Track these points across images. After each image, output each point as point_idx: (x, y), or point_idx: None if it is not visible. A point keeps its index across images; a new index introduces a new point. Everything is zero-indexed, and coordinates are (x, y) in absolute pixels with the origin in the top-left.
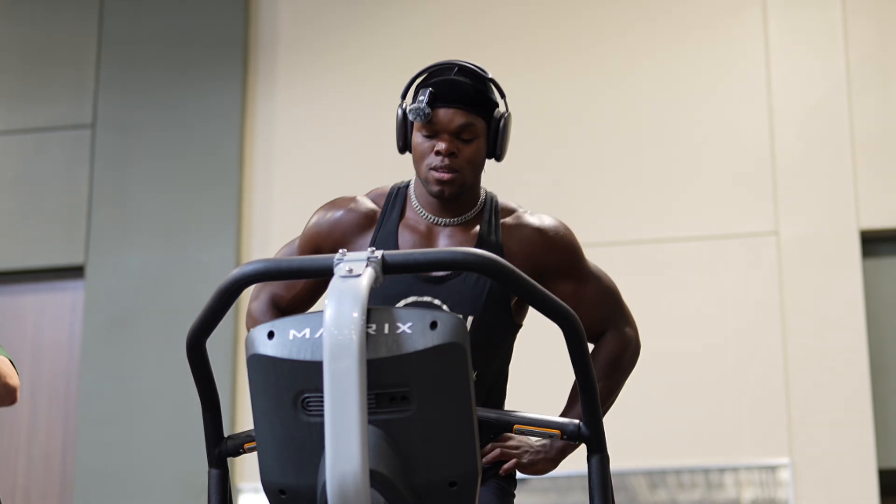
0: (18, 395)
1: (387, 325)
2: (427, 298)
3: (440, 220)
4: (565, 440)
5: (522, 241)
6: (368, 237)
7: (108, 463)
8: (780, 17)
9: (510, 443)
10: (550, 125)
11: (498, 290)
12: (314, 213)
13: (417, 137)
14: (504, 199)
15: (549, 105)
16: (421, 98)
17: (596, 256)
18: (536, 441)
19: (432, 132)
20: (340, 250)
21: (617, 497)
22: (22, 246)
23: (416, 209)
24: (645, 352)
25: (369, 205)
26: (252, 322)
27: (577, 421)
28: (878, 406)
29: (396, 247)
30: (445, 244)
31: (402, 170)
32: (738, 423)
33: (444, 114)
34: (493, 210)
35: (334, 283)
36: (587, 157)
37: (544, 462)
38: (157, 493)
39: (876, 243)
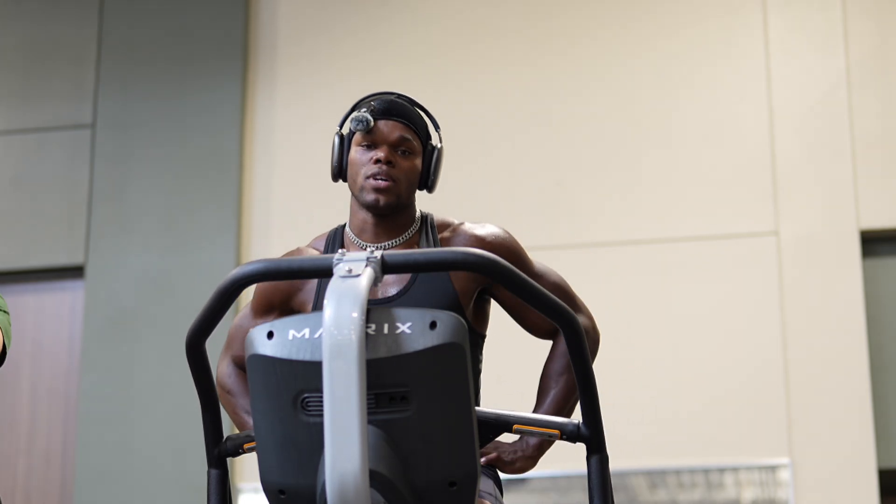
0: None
1: (386, 325)
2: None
3: (377, 245)
4: (565, 439)
5: None
6: (314, 281)
7: (108, 463)
8: (779, 16)
9: (487, 446)
10: (550, 125)
11: (450, 304)
12: None
13: (355, 153)
14: (440, 215)
15: (549, 105)
16: (364, 110)
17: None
18: (511, 439)
19: (371, 143)
20: (340, 250)
21: (617, 497)
22: (22, 246)
23: (354, 241)
24: (644, 352)
25: (310, 250)
26: (220, 387)
27: (576, 421)
28: (878, 406)
29: None
30: None
31: None
32: (738, 422)
33: (384, 125)
34: (430, 227)
35: (333, 283)
36: (587, 158)
37: (523, 460)
38: (156, 493)
39: (876, 243)
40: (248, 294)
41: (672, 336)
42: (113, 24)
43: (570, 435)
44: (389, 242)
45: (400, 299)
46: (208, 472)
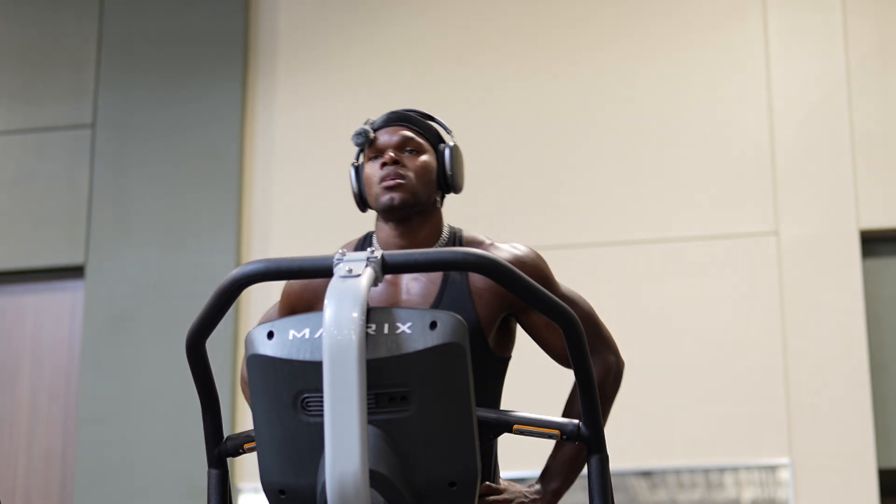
0: None
1: (386, 325)
2: None
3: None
4: (565, 440)
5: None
6: None
7: (107, 462)
8: (780, 18)
9: (503, 496)
10: (551, 126)
11: (470, 328)
12: (285, 287)
13: (367, 169)
14: (470, 231)
15: (550, 106)
16: (364, 125)
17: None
18: (531, 487)
19: (377, 152)
20: (340, 250)
21: (617, 497)
22: (22, 246)
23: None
24: (644, 352)
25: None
26: (243, 381)
27: (576, 421)
28: (878, 406)
29: None
30: (411, 287)
31: None
32: (738, 423)
33: (385, 132)
34: (458, 244)
35: (334, 284)
36: (588, 158)
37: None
38: (156, 492)
39: (876, 243)
40: (248, 298)
41: (672, 336)
42: (113, 25)
43: (571, 435)
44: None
45: None
46: (208, 472)
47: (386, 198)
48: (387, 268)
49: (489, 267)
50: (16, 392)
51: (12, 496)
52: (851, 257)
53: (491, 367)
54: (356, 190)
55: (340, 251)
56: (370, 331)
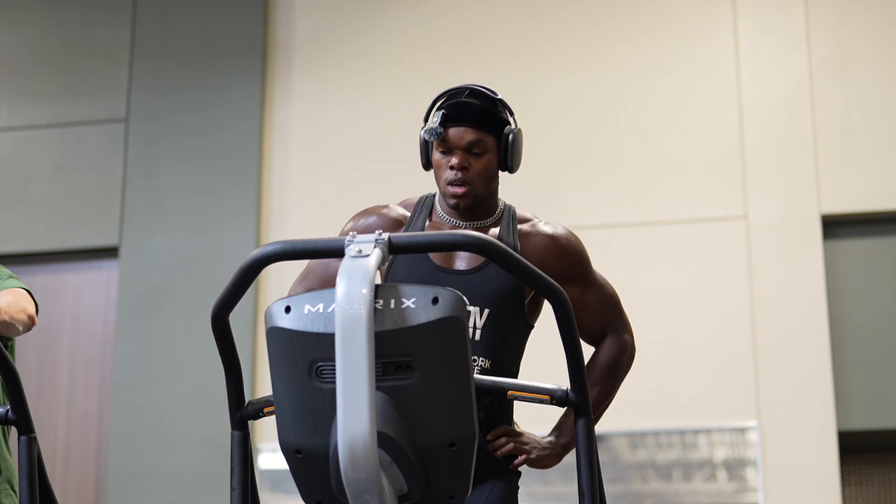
0: (36, 319)
1: (392, 301)
2: None
3: (462, 223)
4: (554, 404)
5: (537, 246)
6: None
7: (140, 425)
8: (748, 18)
9: (522, 438)
10: (538, 118)
11: (513, 290)
12: (350, 219)
13: (436, 155)
14: (521, 210)
15: (535, 99)
16: (435, 120)
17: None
18: (544, 439)
19: (446, 149)
20: (350, 233)
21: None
22: (62, 229)
23: (441, 215)
24: None
25: (400, 210)
26: None
27: (565, 387)
28: (838, 373)
29: None
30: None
31: (405, 162)
32: (711, 389)
33: (454, 132)
34: (511, 217)
35: (345, 263)
36: (572, 148)
37: (550, 457)
38: (184, 452)
39: (836, 226)
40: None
41: (650, 311)
42: (144, 27)
43: (560, 400)
44: (470, 224)
45: (474, 275)
46: (231, 433)
47: (452, 202)
48: (393, 248)
49: (484, 247)
50: (57, 361)
51: (53, 455)
52: (813, 239)
53: (521, 330)
54: (424, 160)
55: (403, 206)
56: (378, 306)
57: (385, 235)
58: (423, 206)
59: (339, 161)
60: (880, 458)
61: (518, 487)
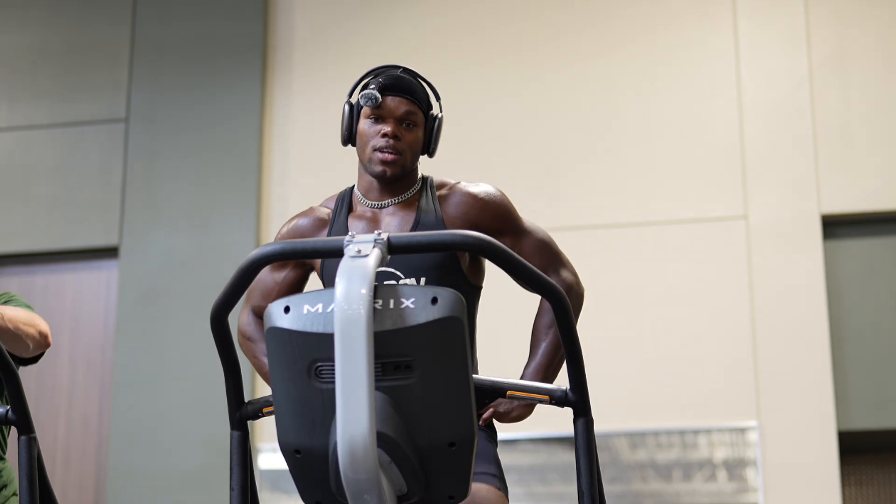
0: (49, 340)
1: (392, 301)
2: (384, 269)
3: (382, 202)
4: (553, 404)
5: (459, 205)
6: (324, 235)
7: (139, 426)
8: (748, 19)
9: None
10: (538, 118)
11: (447, 256)
12: (281, 227)
13: (364, 124)
14: (438, 176)
15: (537, 99)
16: (372, 87)
17: (580, 239)
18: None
19: (379, 117)
20: (350, 233)
21: (600, 456)
22: (62, 229)
23: (361, 200)
24: (627, 327)
25: (322, 209)
26: (241, 335)
27: (564, 387)
28: (838, 373)
29: None
30: (390, 221)
31: None
32: (711, 389)
33: (391, 101)
34: (429, 186)
35: (344, 263)
36: (571, 148)
37: (520, 408)
38: (184, 452)
39: (835, 226)
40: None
41: (651, 311)
42: (144, 27)
43: (559, 400)
44: (392, 200)
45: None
46: (231, 434)
47: (379, 169)
48: (392, 248)
49: (485, 247)
50: (56, 361)
51: (54, 455)
52: (814, 239)
53: (465, 292)
54: (346, 130)
55: (325, 205)
56: (377, 306)
57: (384, 235)
58: (344, 199)
59: (340, 160)
60: (880, 458)
61: (495, 440)
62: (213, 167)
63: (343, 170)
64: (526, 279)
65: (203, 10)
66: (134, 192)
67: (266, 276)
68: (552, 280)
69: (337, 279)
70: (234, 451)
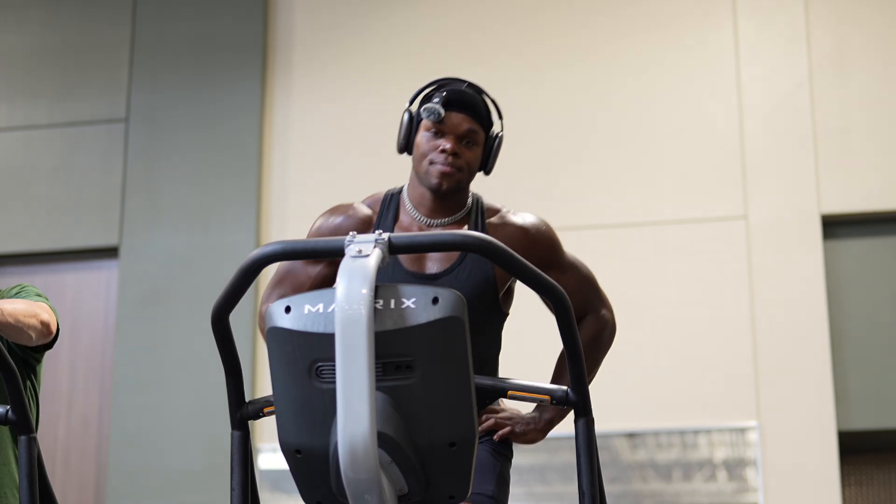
0: (53, 328)
1: (392, 301)
2: None
3: (432, 220)
4: (554, 404)
5: (507, 238)
6: None
7: (140, 426)
8: (748, 20)
9: (503, 414)
10: (537, 118)
11: (487, 287)
12: (317, 219)
13: (423, 137)
14: (489, 200)
15: (540, 100)
16: (436, 100)
17: (581, 239)
18: (527, 412)
19: (440, 132)
20: (350, 233)
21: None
22: (62, 229)
23: (410, 211)
24: (626, 326)
25: (365, 210)
26: (262, 321)
27: (565, 388)
28: (838, 373)
29: None
30: None
31: (405, 160)
32: (711, 389)
33: (454, 117)
34: (480, 211)
35: (345, 263)
36: (571, 147)
37: (534, 432)
38: (184, 453)
39: (835, 226)
40: (269, 272)
41: (651, 311)
42: (144, 29)
43: (560, 400)
44: (441, 220)
45: (446, 277)
46: (231, 434)
47: (436, 182)
48: (393, 248)
49: (486, 248)
50: (56, 362)
51: (54, 456)
52: (813, 239)
53: (496, 320)
54: (403, 140)
55: (368, 205)
56: (378, 306)
57: (385, 235)
58: (391, 204)
59: (340, 160)
60: (880, 458)
61: (510, 458)
62: (213, 167)
63: (343, 169)
64: (527, 279)
65: (203, 10)
66: (134, 192)
67: (300, 268)
68: (560, 287)
69: (338, 279)
70: (234, 451)
